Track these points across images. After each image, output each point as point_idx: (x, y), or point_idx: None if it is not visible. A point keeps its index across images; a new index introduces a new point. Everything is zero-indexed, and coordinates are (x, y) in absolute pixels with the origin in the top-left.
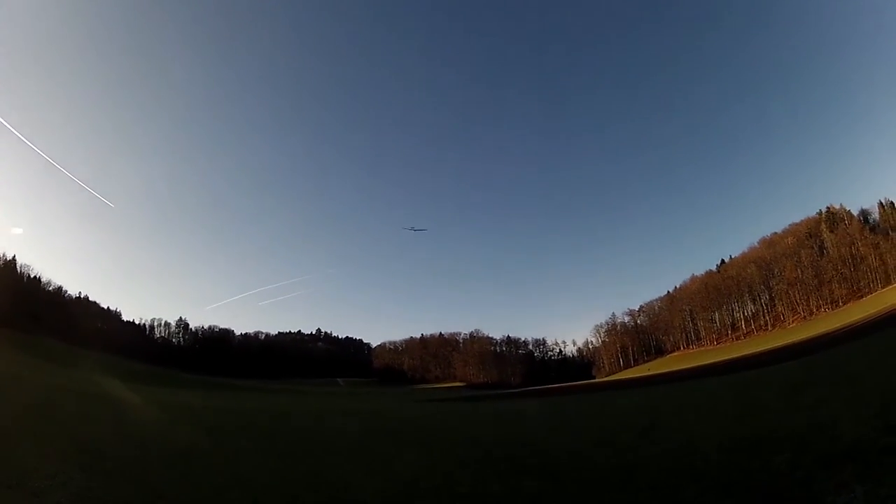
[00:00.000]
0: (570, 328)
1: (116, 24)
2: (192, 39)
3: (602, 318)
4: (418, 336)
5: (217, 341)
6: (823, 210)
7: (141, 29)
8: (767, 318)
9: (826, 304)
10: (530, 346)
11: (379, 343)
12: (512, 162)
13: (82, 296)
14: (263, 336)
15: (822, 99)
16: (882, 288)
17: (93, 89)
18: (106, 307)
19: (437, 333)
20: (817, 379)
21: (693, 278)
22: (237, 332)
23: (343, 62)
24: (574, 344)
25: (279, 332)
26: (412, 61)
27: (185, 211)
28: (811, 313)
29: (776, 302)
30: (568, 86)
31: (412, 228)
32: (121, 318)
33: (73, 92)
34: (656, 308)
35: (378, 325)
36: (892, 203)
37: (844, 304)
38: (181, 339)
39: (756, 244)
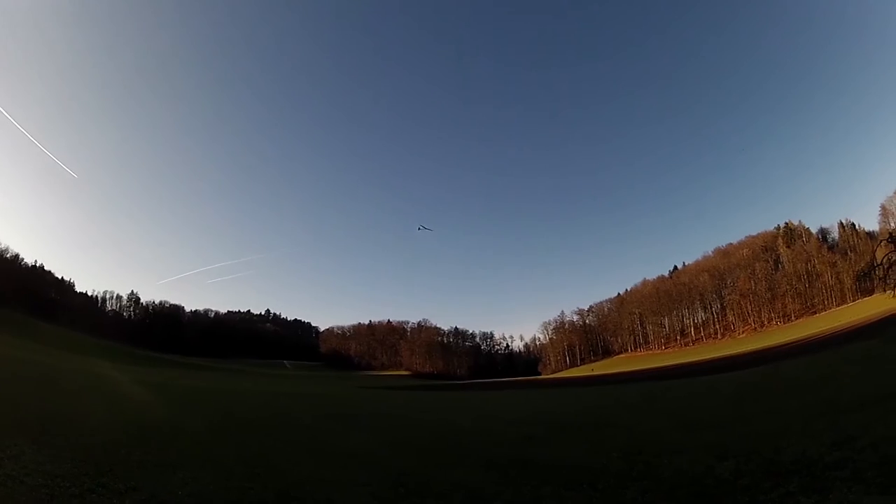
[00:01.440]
0: (518, 323)
1: None
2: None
3: (551, 315)
4: (366, 322)
5: (167, 317)
6: (782, 225)
7: None
8: (718, 326)
9: (778, 317)
10: (478, 339)
11: (327, 327)
12: (468, 158)
13: (38, 265)
14: (213, 314)
15: (787, 116)
16: (837, 306)
17: (57, 58)
18: (60, 277)
19: (386, 321)
20: (765, 390)
21: (645, 282)
22: (187, 309)
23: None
24: (521, 339)
25: (228, 311)
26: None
27: (141, 184)
28: (762, 325)
29: (727, 311)
30: (531, 84)
31: (423, 227)
32: (74, 290)
33: (39, 59)
34: (606, 309)
35: (327, 309)
36: (853, 224)
37: (797, 318)
38: (132, 313)
39: (711, 253)
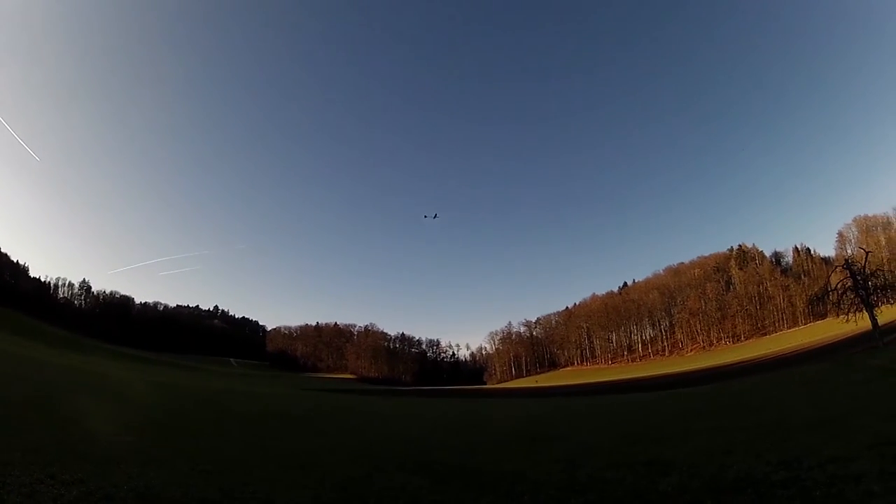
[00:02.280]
0: (465, 332)
1: None
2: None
3: (499, 326)
4: (314, 324)
5: (117, 308)
6: (735, 247)
7: None
8: (666, 343)
9: (728, 337)
10: (424, 346)
11: (274, 327)
12: (421, 167)
13: None
14: (162, 307)
15: (747, 144)
16: (788, 328)
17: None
18: (16, 261)
19: (333, 323)
20: (711, 408)
21: (594, 297)
22: (137, 301)
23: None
24: (468, 348)
25: (178, 305)
26: None
27: (100, 172)
28: (711, 344)
29: (676, 329)
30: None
31: (433, 216)
32: (28, 275)
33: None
34: (553, 322)
35: (275, 308)
36: (808, 249)
37: (747, 339)
38: (83, 301)
39: (661, 272)
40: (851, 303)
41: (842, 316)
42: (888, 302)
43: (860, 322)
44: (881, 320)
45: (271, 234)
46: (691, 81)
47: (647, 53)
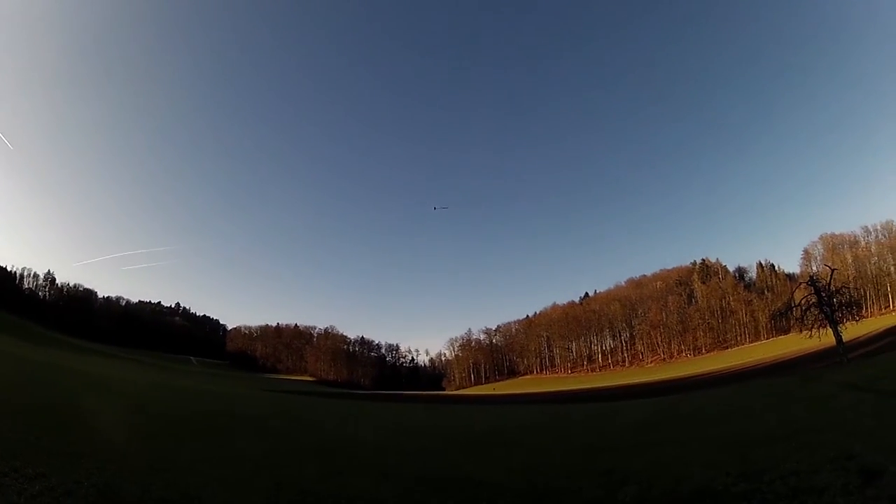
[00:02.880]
0: (425, 338)
1: None
2: None
3: (459, 332)
4: (274, 324)
5: (80, 301)
6: (698, 261)
7: None
8: (626, 354)
9: (689, 349)
10: (383, 350)
11: (235, 326)
12: (385, 171)
13: None
14: (125, 302)
15: (715, 161)
16: (749, 343)
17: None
18: None
19: (293, 324)
20: (671, 419)
21: (555, 306)
22: (100, 295)
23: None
24: (427, 354)
25: (140, 301)
26: None
27: (70, 163)
28: (672, 356)
29: (637, 341)
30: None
31: (442, 207)
32: None
33: None
34: (514, 330)
35: (236, 307)
36: (772, 265)
37: (708, 352)
38: (47, 293)
39: (623, 283)
40: (815, 319)
41: (805, 331)
42: (853, 319)
43: (823, 338)
44: (846, 337)
45: (235, 232)
46: (656, 93)
47: (612, 64)
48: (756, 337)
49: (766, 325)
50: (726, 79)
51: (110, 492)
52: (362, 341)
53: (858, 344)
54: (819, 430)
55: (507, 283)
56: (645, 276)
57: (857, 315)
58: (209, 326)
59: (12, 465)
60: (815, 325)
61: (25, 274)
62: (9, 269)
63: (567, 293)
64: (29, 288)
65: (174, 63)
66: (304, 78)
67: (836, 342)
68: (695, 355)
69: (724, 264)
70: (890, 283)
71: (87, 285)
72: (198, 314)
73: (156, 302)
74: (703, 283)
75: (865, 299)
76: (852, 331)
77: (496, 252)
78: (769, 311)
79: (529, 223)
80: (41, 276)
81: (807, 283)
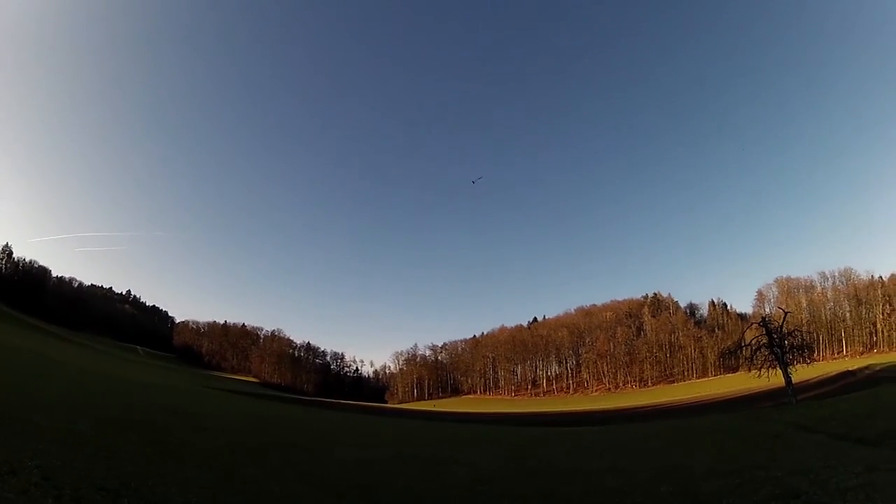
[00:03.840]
0: (370, 348)
1: None
2: None
3: (404, 346)
4: (222, 322)
5: (34, 278)
6: (650, 295)
7: None
8: (571, 381)
9: (635, 381)
10: (328, 358)
11: (182, 320)
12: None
13: None
14: (77, 284)
15: (671, 193)
16: (697, 378)
17: None
18: None
19: (241, 324)
20: (613, 448)
21: (503, 328)
22: (54, 274)
23: None
24: (372, 365)
25: (92, 284)
26: None
27: (30, 133)
28: (617, 386)
29: (583, 369)
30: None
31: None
32: None
33: None
34: (460, 349)
35: (185, 300)
36: (724, 304)
37: (654, 385)
38: (3, 266)
39: (572, 311)
40: (765, 359)
41: (754, 371)
42: (804, 362)
43: (772, 378)
44: (795, 379)
45: (193, 224)
46: (622, 123)
47: (567, 97)
48: (704, 373)
49: (715, 362)
50: (690, 115)
51: (52, 474)
52: (308, 347)
53: (808, 386)
54: (765, 468)
55: (456, 302)
56: (595, 305)
57: (809, 358)
58: (158, 317)
59: None
60: (765, 366)
61: None
62: None
63: (516, 317)
64: None
65: (145, 44)
66: (270, 73)
67: (786, 383)
68: (641, 387)
69: (675, 300)
70: (844, 328)
71: (42, 262)
72: (147, 304)
73: (108, 287)
74: (654, 316)
75: (818, 343)
76: (802, 373)
77: (447, 271)
78: (719, 348)
79: (483, 247)
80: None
81: (759, 323)
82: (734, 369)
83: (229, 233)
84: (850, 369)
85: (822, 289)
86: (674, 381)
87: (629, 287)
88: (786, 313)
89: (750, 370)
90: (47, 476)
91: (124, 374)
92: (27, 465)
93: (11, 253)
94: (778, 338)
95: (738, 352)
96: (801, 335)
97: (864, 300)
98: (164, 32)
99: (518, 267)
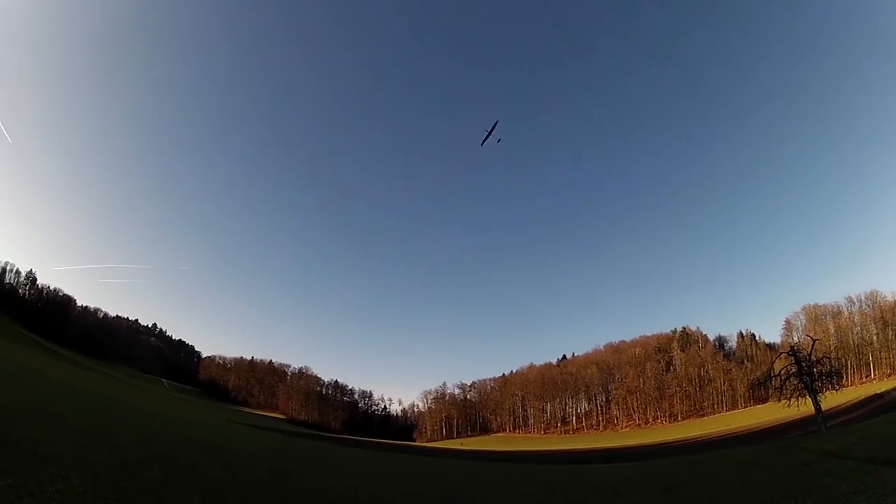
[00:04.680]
0: (399, 387)
1: None
2: None
3: (433, 384)
4: (248, 357)
5: (59, 306)
6: (678, 329)
7: None
8: (601, 418)
9: (665, 416)
10: (356, 396)
11: (209, 355)
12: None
13: None
14: (102, 314)
15: (694, 226)
16: (727, 411)
17: None
18: None
19: (268, 360)
20: (643, 484)
21: (531, 366)
22: (79, 303)
23: None
24: (400, 403)
25: (117, 315)
26: None
27: (58, 163)
28: (647, 422)
29: (612, 405)
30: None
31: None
32: None
33: None
34: (489, 387)
35: (212, 335)
36: (752, 335)
37: (684, 419)
38: (27, 292)
39: (601, 347)
40: (794, 388)
41: (783, 400)
42: (833, 388)
43: (802, 407)
44: (825, 405)
45: (221, 261)
46: (637, 158)
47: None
48: (733, 405)
49: (744, 394)
50: (715, 144)
51: (72, 501)
52: (336, 385)
53: (837, 412)
54: (794, 497)
55: (485, 340)
56: (624, 341)
57: (838, 384)
58: (184, 351)
59: None
60: (794, 395)
61: (8, 269)
62: None
63: (545, 354)
64: (10, 283)
65: (178, 69)
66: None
67: (815, 411)
68: (670, 422)
69: (704, 333)
70: (872, 352)
71: (67, 291)
72: (174, 337)
73: (133, 319)
74: (683, 350)
75: (846, 369)
76: (832, 399)
77: (476, 309)
78: (748, 380)
79: (511, 284)
80: (23, 274)
81: (787, 353)
82: (764, 400)
83: (258, 269)
84: (878, 392)
85: (850, 313)
86: (704, 415)
87: (658, 322)
88: (814, 341)
89: (779, 400)
90: (65, 502)
91: (148, 405)
92: (47, 490)
93: (35, 280)
94: (807, 366)
95: (768, 382)
96: (830, 362)
97: (890, 322)
98: (203, 71)
99: (547, 304)
